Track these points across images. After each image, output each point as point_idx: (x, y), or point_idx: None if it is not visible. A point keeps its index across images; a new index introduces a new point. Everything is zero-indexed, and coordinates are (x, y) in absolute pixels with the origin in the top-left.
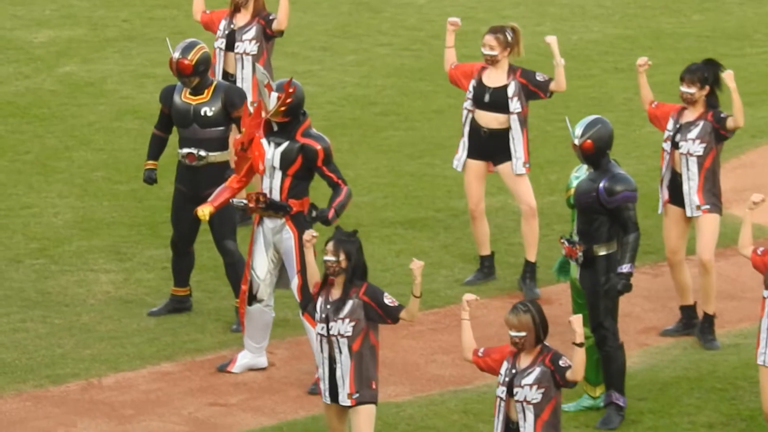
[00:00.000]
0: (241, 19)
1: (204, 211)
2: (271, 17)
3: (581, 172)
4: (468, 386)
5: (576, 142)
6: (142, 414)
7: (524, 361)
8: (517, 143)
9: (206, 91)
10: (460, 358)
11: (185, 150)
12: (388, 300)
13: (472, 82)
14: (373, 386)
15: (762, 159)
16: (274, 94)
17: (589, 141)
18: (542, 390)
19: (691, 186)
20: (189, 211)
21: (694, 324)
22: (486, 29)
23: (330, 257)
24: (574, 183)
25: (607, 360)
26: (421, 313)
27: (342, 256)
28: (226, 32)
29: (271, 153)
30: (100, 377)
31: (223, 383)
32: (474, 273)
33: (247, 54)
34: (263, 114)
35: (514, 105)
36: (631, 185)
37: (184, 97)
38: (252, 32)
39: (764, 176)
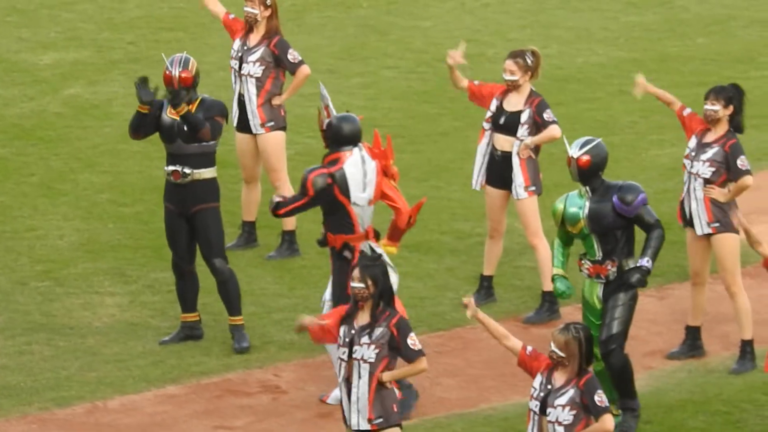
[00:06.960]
0: (253, 39)
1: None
2: (287, 53)
3: (571, 200)
4: (473, 409)
5: (574, 155)
6: None
7: (559, 378)
8: (515, 167)
9: (191, 107)
10: (466, 381)
11: (170, 167)
12: (411, 342)
13: (495, 103)
14: (395, 408)
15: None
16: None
17: (587, 157)
18: (574, 412)
19: (699, 204)
20: (182, 228)
21: (699, 346)
22: (491, 52)
23: (357, 284)
24: (559, 207)
25: (615, 371)
26: (426, 336)
27: (369, 282)
28: (240, 54)
29: None
30: (106, 400)
31: (229, 406)
32: (473, 294)
33: (251, 76)
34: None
35: (522, 131)
36: (638, 188)
37: (168, 113)
38: (257, 54)
39: None
